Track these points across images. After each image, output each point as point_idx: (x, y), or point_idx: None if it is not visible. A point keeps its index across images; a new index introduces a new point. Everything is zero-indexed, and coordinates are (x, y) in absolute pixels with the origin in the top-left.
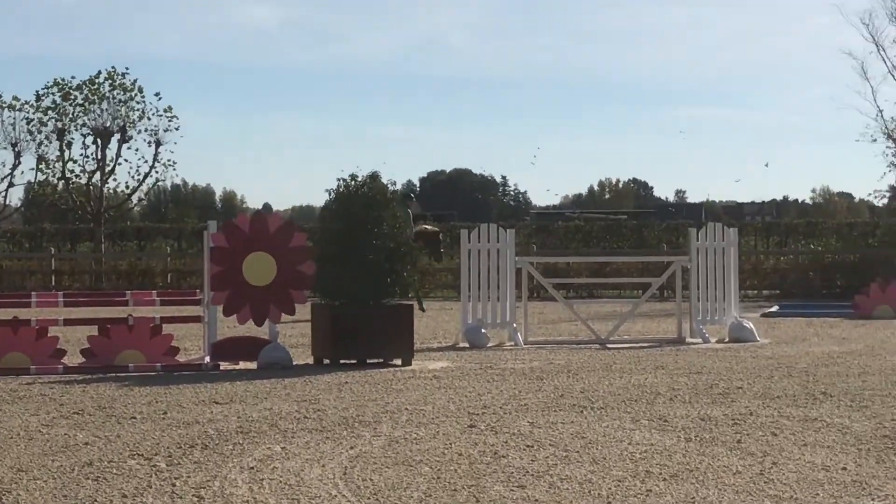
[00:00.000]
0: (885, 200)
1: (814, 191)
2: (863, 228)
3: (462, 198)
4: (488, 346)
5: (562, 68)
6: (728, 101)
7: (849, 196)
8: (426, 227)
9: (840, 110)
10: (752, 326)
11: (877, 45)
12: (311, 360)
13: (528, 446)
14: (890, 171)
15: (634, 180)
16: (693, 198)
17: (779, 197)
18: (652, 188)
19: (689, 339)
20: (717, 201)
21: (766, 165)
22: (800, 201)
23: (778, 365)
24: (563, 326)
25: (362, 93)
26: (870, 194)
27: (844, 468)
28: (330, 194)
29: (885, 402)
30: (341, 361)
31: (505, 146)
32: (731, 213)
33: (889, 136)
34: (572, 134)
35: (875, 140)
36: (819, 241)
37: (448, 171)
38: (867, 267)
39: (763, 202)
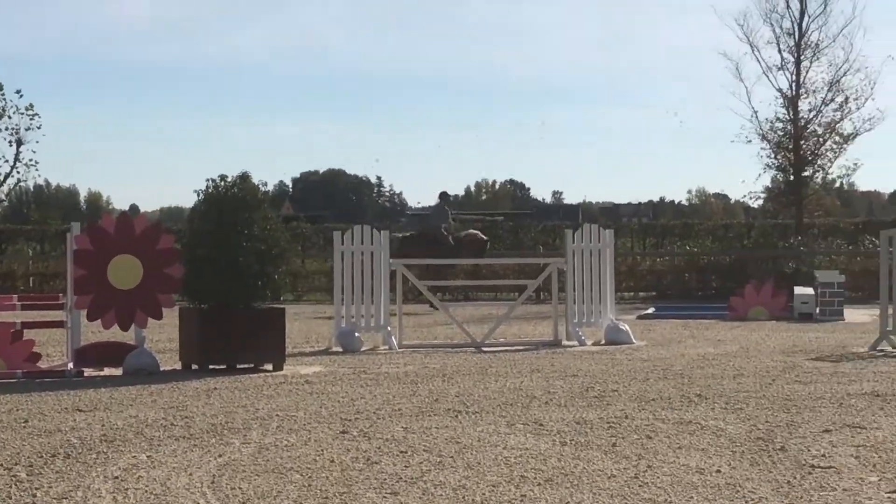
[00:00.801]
0: (760, 202)
1: (690, 192)
2: (738, 230)
3: (336, 199)
4: (362, 350)
5: (439, 68)
6: (607, 101)
7: (724, 197)
8: (478, 233)
9: (716, 111)
10: (627, 328)
11: (751, 46)
12: (178, 366)
13: (401, 452)
14: (765, 172)
15: (511, 181)
16: (570, 199)
17: (655, 198)
18: (529, 189)
19: (565, 342)
20: (594, 202)
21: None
22: (676, 203)
23: (653, 367)
24: (438, 329)
25: (233, 91)
26: (744, 196)
27: (719, 471)
28: (199, 195)
29: (759, 403)
30: (210, 367)
31: (381, 146)
32: (608, 215)
33: (764, 138)
34: (448, 134)
35: (750, 141)
36: (695, 243)
37: (322, 171)
38: (742, 268)
39: (640, 203)
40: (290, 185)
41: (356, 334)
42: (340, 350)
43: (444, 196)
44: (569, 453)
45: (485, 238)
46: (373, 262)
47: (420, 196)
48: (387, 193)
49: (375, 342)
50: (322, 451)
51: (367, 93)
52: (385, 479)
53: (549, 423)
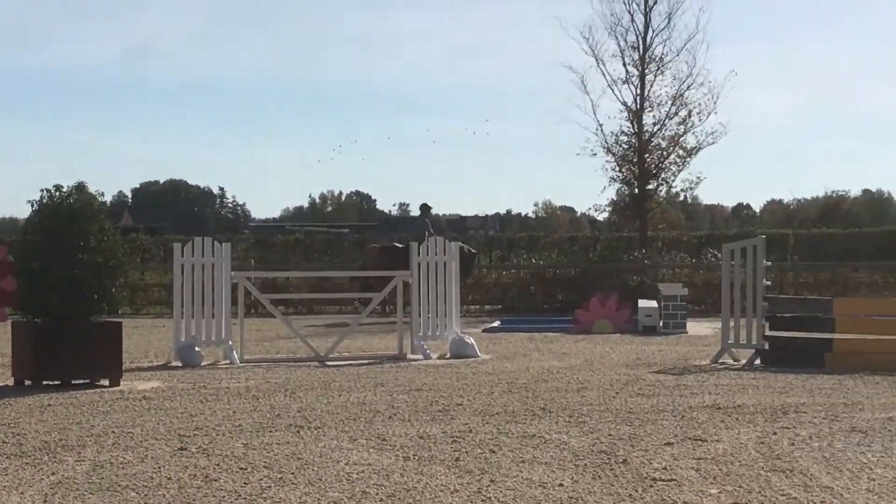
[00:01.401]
0: (606, 215)
1: (536, 205)
2: (584, 242)
3: (177, 210)
4: (202, 364)
5: (285, 78)
6: (455, 113)
7: (571, 210)
8: (463, 246)
9: (562, 124)
10: (473, 342)
11: (596, 59)
12: (11, 382)
13: (241, 469)
14: (610, 185)
15: (357, 193)
16: (417, 211)
17: (502, 211)
18: (375, 201)
19: (410, 356)
20: (441, 215)
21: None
22: (523, 215)
23: (498, 381)
24: (281, 343)
25: (68, 99)
26: (589, 209)
27: (561, 484)
28: (33, 206)
29: (602, 417)
30: (44, 382)
31: (223, 157)
32: (455, 227)
33: (609, 151)
34: (296, 143)
35: (595, 154)
36: (541, 256)
37: (162, 181)
38: (587, 281)
39: (486, 216)
40: (130, 196)
41: (196, 348)
42: (180, 365)
43: (424, 208)
44: (412, 468)
45: (472, 251)
46: (214, 274)
47: (261, 208)
48: (229, 205)
49: (216, 356)
50: (159, 468)
51: (209, 102)
52: (224, 497)
53: (393, 438)
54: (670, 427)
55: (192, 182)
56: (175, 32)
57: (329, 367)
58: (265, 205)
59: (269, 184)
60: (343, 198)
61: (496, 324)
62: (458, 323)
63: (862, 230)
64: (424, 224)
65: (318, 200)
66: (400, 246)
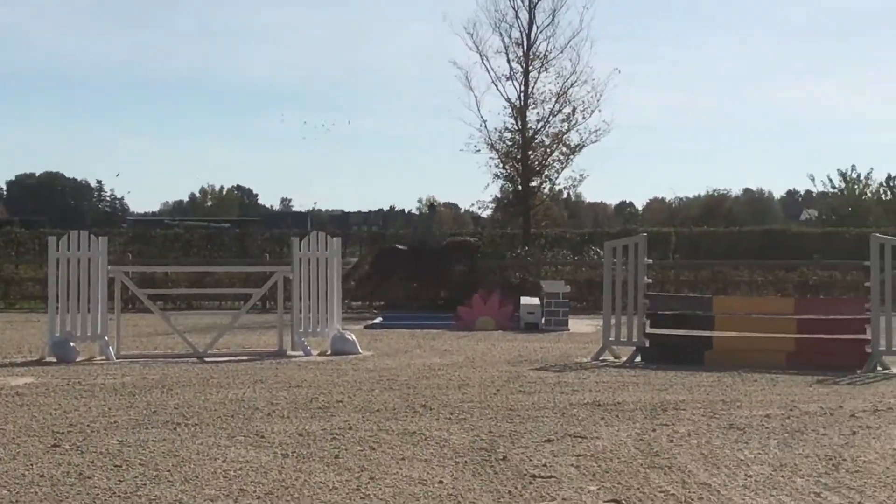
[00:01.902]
0: (489, 211)
1: (420, 201)
2: None
3: (54, 203)
4: (77, 360)
5: (162, 68)
6: (340, 107)
7: (455, 207)
8: (468, 238)
9: (448, 120)
10: (354, 338)
11: (481, 56)
12: None
13: (115, 466)
14: (494, 182)
15: (238, 187)
16: (299, 206)
17: (386, 206)
18: (257, 196)
19: (290, 352)
20: (325, 210)
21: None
22: (407, 211)
23: (379, 378)
24: (158, 339)
25: None
26: (473, 205)
27: (441, 482)
28: None
29: (483, 413)
30: None
31: (99, 149)
32: (338, 223)
33: (492, 147)
34: (174, 137)
35: (479, 150)
36: None
37: (38, 174)
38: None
39: (370, 211)
40: (5, 188)
41: (71, 344)
42: (54, 360)
43: (431, 207)
44: (290, 465)
45: (473, 242)
46: (90, 269)
47: (141, 202)
48: (107, 198)
49: (92, 352)
50: (32, 465)
51: (87, 94)
52: (98, 495)
53: (271, 435)
54: (551, 424)
55: (69, 175)
56: (49, 22)
57: (208, 363)
58: (144, 199)
59: (148, 177)
60: (224, 192)
61: (378, 320)
62: (339, 319)
63: (743, 229)
64: (431, 222)
65: (198, 194)
66: (402, 248)
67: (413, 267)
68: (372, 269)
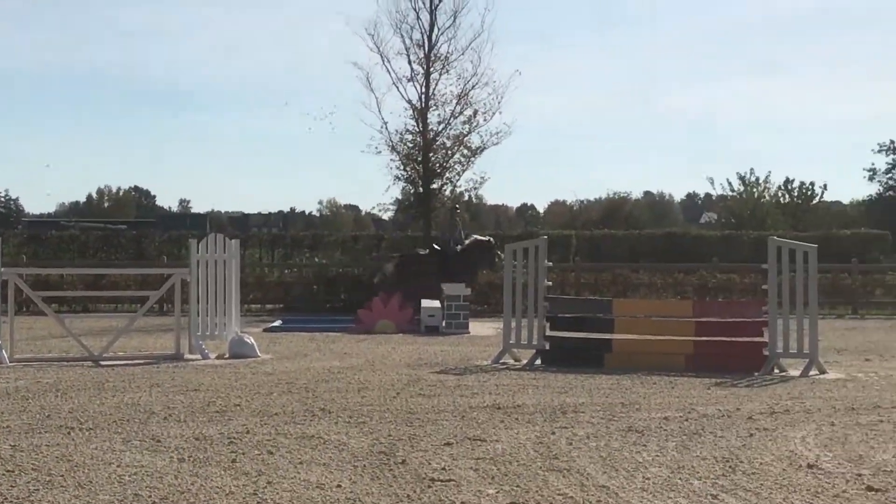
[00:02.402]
0: (391, 214)
1: (321, 203)
2: (368, 241)
3: None
4: None
5: (60, 66)
6: (240, 107)
7: (356, 209)
8: (478, 237)
9: (350, 121)
10: (253, 342)
11: (382, 57)
12: None
13: (7, 471)
14: (395, 184)
15: (136, 188)
16: (198, 208)
17: (286, 208)
18: (155, 197)
19: (188, 355)
20: (224, 212)
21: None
22: (307, 213)
23: (278, 381)
24: (53, 343)
25: None
26: (374, 207)
27: (339, 485)
28: None
29: (382, 417)
30: None
31: None
32: (237, 225)
33: (393, 149)
34: (71, 137)
35: (380, 152)
36: (324, 255)
37: None
38: (371, 280)
39: (270, 213)
40: None
41: None
42: None
43: (452, 209)
44: (186, 470)
45: (488, 240)
46: None
47: (36, 203)
48: (1, 199)
49: None
50: None
51: None
52: None
53: (168, 440)
54: (450, 427)
55: None
56: None
57: (103, 366)
58: (39, 200)
59: (43, 178)
60: (121, 193)
61: (277, 323)
62: (238, 322)
63: (643, 232)
64: (455, 223)
65: (94, 196)
66: (423, 252)
67: (439, 269)
68: (396, 275)
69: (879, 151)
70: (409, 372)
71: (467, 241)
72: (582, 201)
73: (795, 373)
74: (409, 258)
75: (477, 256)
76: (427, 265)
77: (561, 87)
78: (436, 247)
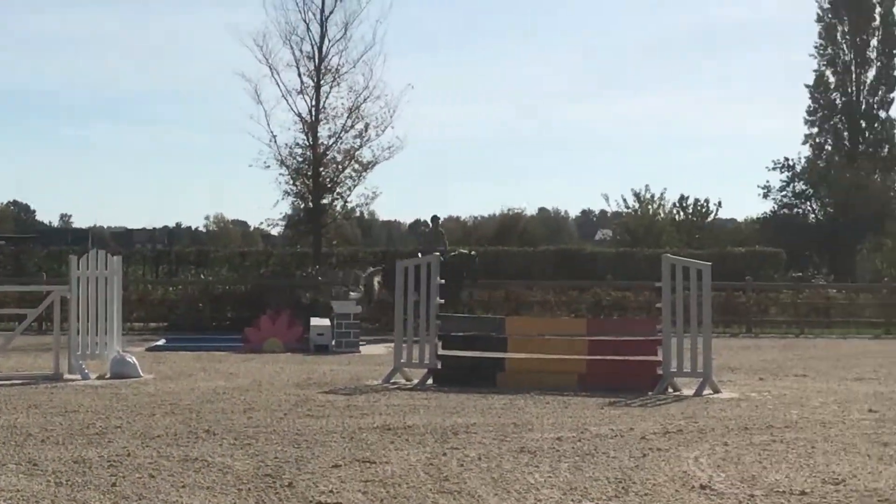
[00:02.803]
0: (280, 229)
1: (208, 218)
2: (256, 258)
3: None
4: None
5: None
6: (125, 120)
7: (244, 224)
8: (462, 251)
9: (236, 134)
10: (135, 361)
11: (271, 69)
12: None
13: None
14: (284, 199)
15: (15, 202)
16: (80, 223)
17: (172, 224)
18: (35, 211)
19: (67, 376)
20: (107, 227)
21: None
22: (194, 229)
23: (161, 402)
24: None
25: None
26: (262, 223)
27: None
28: None
29: (269, 438)
30: None
31: None
32: (121, 240)
33: (282, 164)
34: None
35: (269, 167)
36: (210, 271)
37: None
38: (259, 298)
39: (155, 228)
40: None
41: None
42: None
43: (435, 220)
44: (64, 494)
45: (472, 255)
46: None
47: None
48: None
49: None
50: None
51: None
52: None
53: (45, 463)
54: (339, 449)
55: None
56: None
57: None
58: None
59: None
60: None
61: (161, 342)
62: (119, 341)
63: (537, 249)
64: (440, 235)
65: None
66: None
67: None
68: (382, 288)
69: (774, 168)
70: (297, 392)
71: (451, 255)
72: (476, 217)
73: (689, 392)
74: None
75: (459, 270)
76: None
77: (455, 100)
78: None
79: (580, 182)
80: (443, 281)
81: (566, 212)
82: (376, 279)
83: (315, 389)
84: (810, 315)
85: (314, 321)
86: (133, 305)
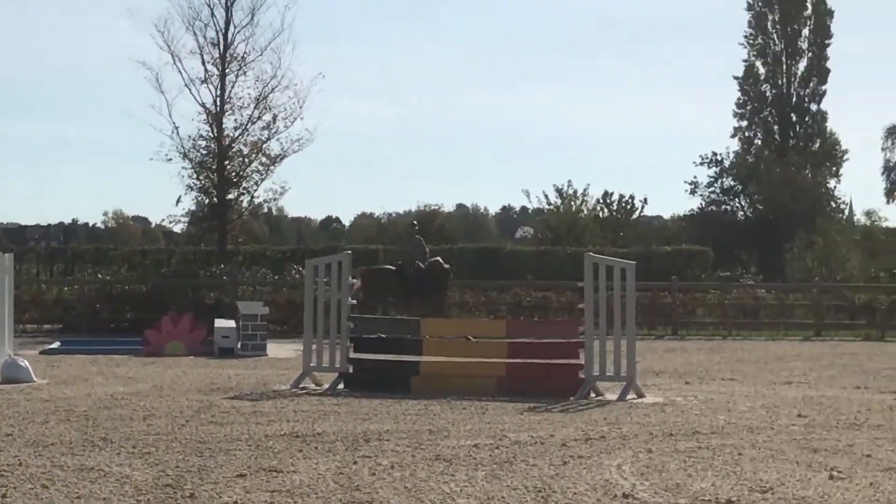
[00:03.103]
0: (183, 226)
1: (106, 214)
2: (157, 256)
3: None
4: None
5: None
6: (12, 108)
7: (145, 221)
8: (440, 261)
9: (136, 126)
10: (28, 365)
11: (173, 56)
12: None
13: None
14: (187, 194)
15: None
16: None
17: (67, 220)
18: None
19: None
20: None
21: None
22: (91, 225)
23: (55, 408)
24: None
25: None
26: (164, 219)
27: None
28: None
29: (170, 447)
30: None
31: None
32: (13, 237)
33: (185, 156)
34: None
35: (171, 160)
36: (109, 270)
37: None
38: (160, 298)
39: (49, 225)
40: None
41: None
42: None
43: (418, 230)
44: None
45: (446, 266)
46: None
47: None
48: None
49: None
50: None
51: None
52: None
53: None
54: (244, 457)
55: None
56: None
57: None
58: None
59: None
60: None
61: (56, 345)
62: (11, 344)
63: (455, 247)
64: (421, 245)
65: None
66: (391, 268)
67: (401, 289)
68: (362, 289)
69: (701, 164)
70: (200, 398)
71: (430, 261)
72: (391, 214)
73: (612, 396)
74: (373, 272)
75: (432, 280)
76: (392, 280)
77: (370, 91)
78: (388, 267)
79: (501, 178)
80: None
81: (486, 208)
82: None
83: (219, 395)
84: (738, 316)
85: (219, 323)
86: (25, 306)
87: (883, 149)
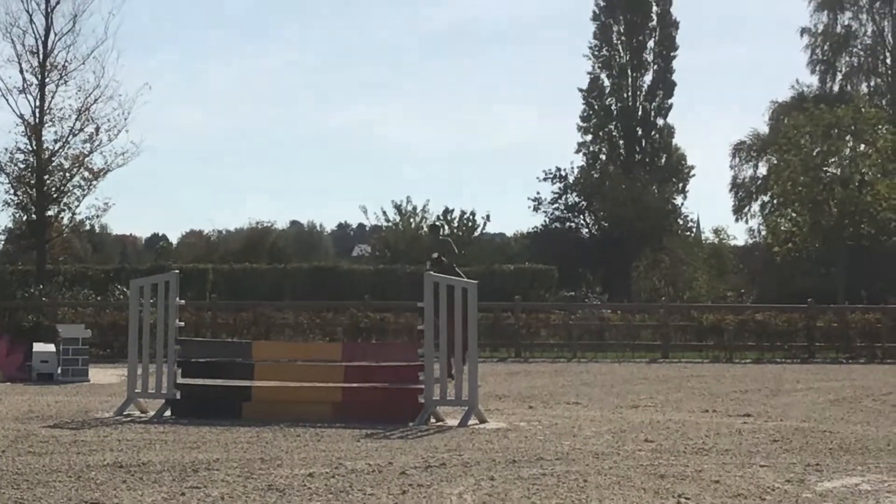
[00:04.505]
0: (0, 244)
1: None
2: None
3: None
4: None
5: None
6: None
7: None
8: (443, 259)
9: None
10: None
11: None
12: None
13: None
14: (3, 210)
15: None
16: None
17: None
18: None
19: None
20: None
21: None
22: None
23: None
24: None
25: None
26: None
27: None
28: None
29: None
30: None
31: None
32: None
33: (2, 170)
34: None
35: None
36: None
37: None
38: None
39: None
40: None
41: None
42: None
43: (435, 228)
44: None
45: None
46: None
47: None
48: None
49: None
50: None
51: None
52: None
53: None
54: (64, 490)
55: None
56: None
57: None
58: None
59: None
60: None
61: None
62: None
63: (289, 266)
64: (448, 244)
65: None
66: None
67: None
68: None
69: (545, 179)
70: (16, 427)
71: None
72: (221, 231)
73: (454, 422)
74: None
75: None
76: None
77: (199, 102)
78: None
79: (337, 193)
80: None
81: (321, 225)
82: None
83: (37, 423)
84: (583, 337)
85: (37, 347)
86: None
87: (731, 166)
